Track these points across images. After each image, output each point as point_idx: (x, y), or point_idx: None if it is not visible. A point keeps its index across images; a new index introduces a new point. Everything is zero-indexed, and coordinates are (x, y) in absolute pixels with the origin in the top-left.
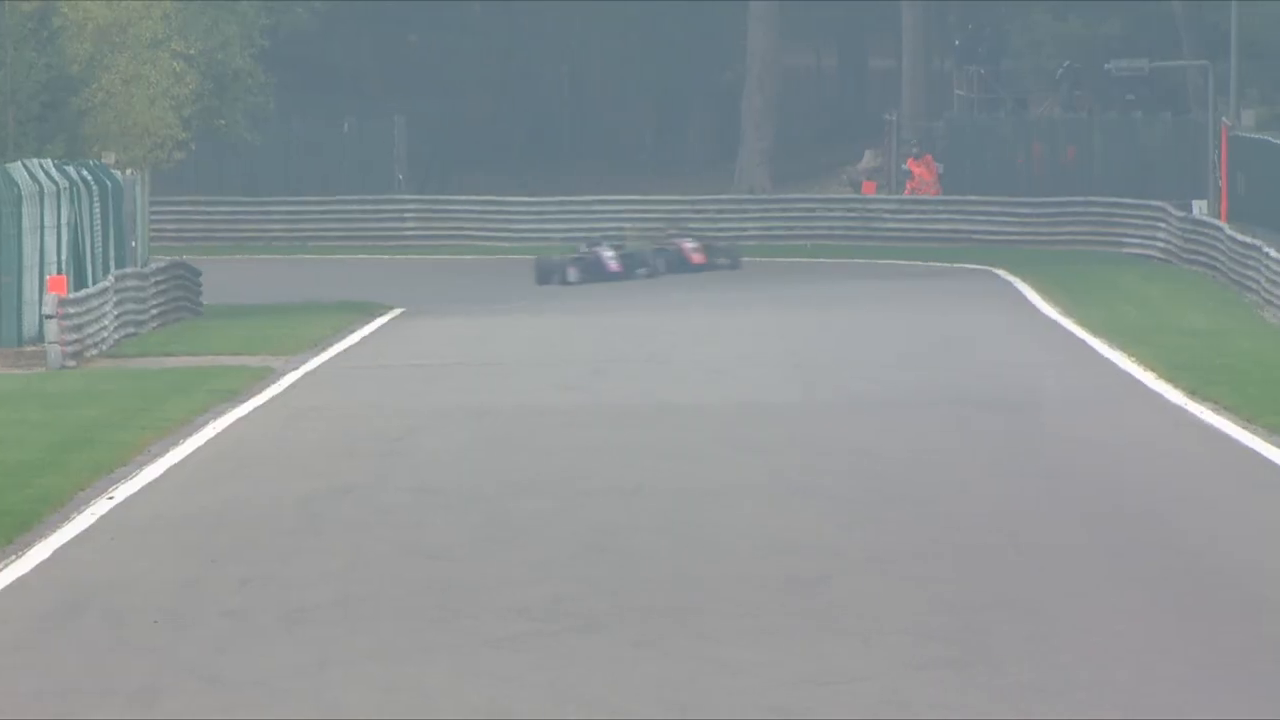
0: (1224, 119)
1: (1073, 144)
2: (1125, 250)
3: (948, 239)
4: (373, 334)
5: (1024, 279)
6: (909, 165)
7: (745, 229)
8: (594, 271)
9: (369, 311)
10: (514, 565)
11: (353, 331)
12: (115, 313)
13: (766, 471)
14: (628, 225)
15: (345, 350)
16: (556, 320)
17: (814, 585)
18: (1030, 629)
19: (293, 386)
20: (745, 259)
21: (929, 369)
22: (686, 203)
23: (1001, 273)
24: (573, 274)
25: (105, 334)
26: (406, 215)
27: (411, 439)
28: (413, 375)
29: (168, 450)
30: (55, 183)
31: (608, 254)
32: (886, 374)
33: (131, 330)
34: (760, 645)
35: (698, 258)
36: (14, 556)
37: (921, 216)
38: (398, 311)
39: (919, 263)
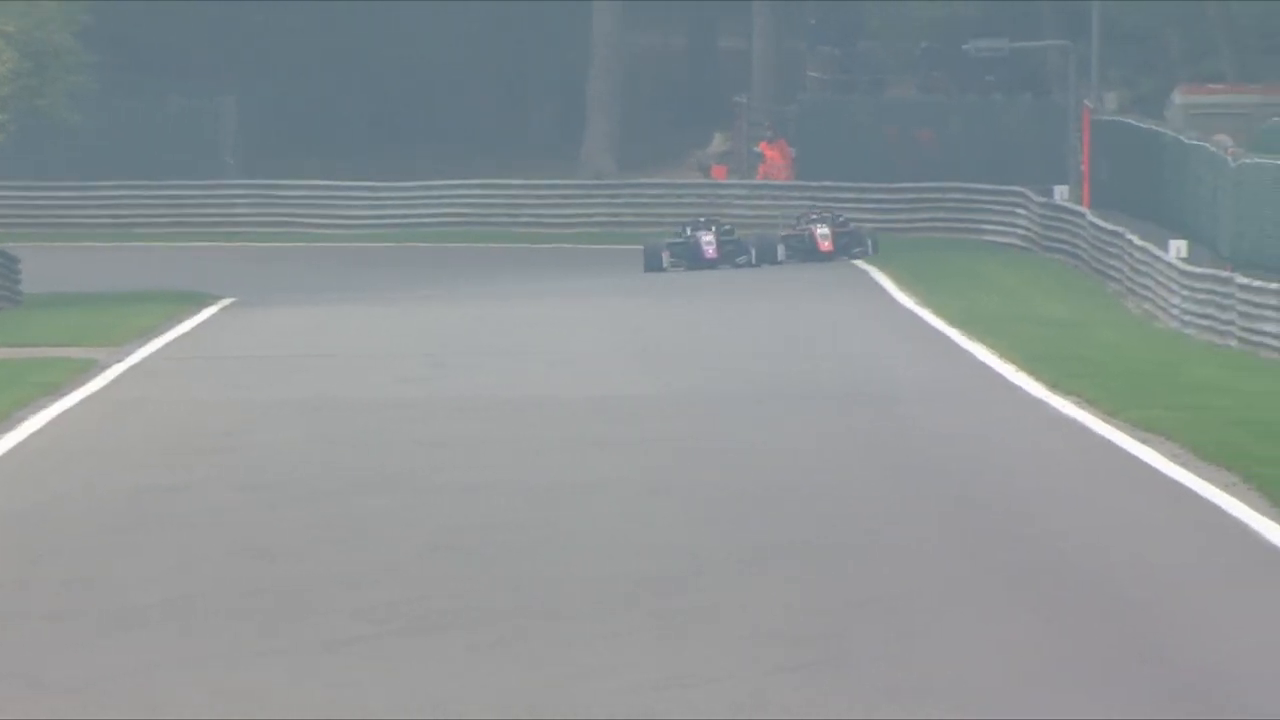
0: (1086, 101)
1: (930, 127)
2: (984, 238)
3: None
4: (203, 324)
5: (880, 267)
6: (761, 148)
7: (591, 214)
8: (691, 257)
9: (199, 301)
10: (353, 565)
11: (182, 322)
12: None
13: (619, 468)
14: (791, 209)
15: (174, 341)
16: (396, 311)
17: (668, 586)
18: (892, 630)
19: (118, 379)
20: (588, 247)
21: (786, 361)
22: (529, 188)
23: (858, 261)
24: (667, 259)
25: None
26: (238, 201)
27: (244, 434)
28: (245, 367)
29: None
30: None
31: (706, 239)
32: (743, 366)
33: None
34: (612, 648)
35: (826, 245)
36: None
37: (774, 202)
38: (229, 301)
39: None
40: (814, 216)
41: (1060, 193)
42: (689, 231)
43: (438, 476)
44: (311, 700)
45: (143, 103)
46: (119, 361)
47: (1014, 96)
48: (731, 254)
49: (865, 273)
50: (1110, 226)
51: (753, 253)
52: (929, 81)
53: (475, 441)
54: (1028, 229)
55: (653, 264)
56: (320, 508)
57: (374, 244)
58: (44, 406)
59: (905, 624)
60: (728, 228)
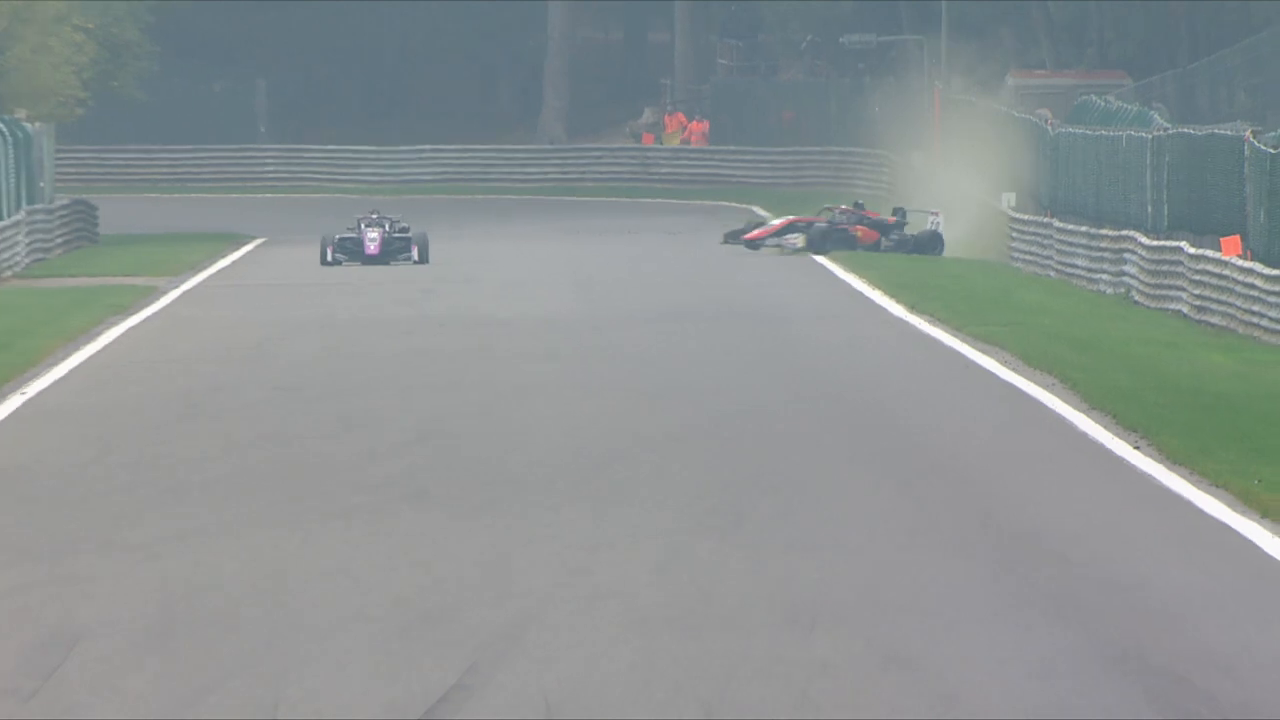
0: (936, 84)
1: (810, 106)
2: (857, 191)
3: (711, 182)
4: (240, 259)
5: (776, 214)
6: (668, 120)
7: (546, 172)
8: (355, 252)
9: (237, 241)
10: (355, 449)
11: (223, 257)
12: (26, 242)
13: (561, 372)
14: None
15: (217, 272)
16: None
17: (601, 465)
18: (781, 500)
19: (174, 302)
20: (542, 198)
21: (694, 288)
22: (497, 151)
23: (758, 209)
24: (332, 254)
25: (18, 259)
26: (268, 162)
27: (272, 345)
28: (273, 293)
29: (70, 355)
30: None
31: (371, 236)
32: (659, 293)
33: (40, 256)
34: (558, 514)
35: (865, 234)
36: None
37: (690, 163)
38: (261, 240)
39: (688, 201)
40: (843, 210)
41: (918, 156)
42: (362, 227)
43: (421, 378)
44: (322, 556)
45: (193, 83)
46: (174, 288)
47: (880, 80)
48: (395, 250)
49: (765, 219)
50: (958, 184)
51: (415, 250)
52: (813, 68)
53: (451, 351)
54: (890, 184)
55: (323, 257)
56: (330, 404)
57: (376, 196)
58: (115, 323)
59: (793, 496)
60: (403, 225)
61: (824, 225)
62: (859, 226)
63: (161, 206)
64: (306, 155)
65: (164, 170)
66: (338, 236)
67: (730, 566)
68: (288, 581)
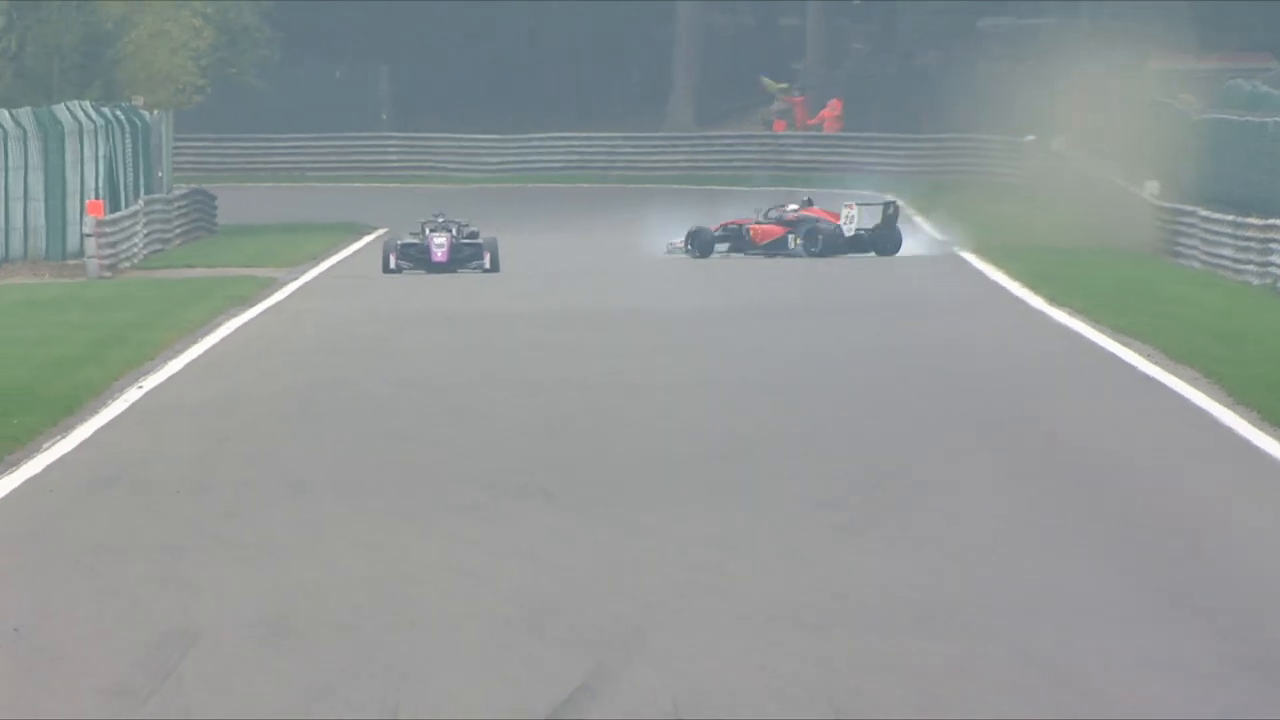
0: (1078, 69)
1: (950, 90)
2: (996, 179)
3: (846, 169)
4: (360, 250)
5: (911, 204)
6: (794, 103)
7: (675, 161)
8: (420, 259)
9: (357, 231)
10: (474, 445)
11: (344, 247)
12: (144, 232)
13: (683, 366)
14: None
15: (338, 263)
16: (519, 238)
17: (722, 462)
18: (904, 497)
19: (293, 294)
20: (674, 187)
21: (828, 279)
22: (624, 138)
23: (891, 197)
24: (395, 261)
25: (136, 249)
26: (389, 150)
27: (392, 338)
28: (394, 285)
29: (188, 347)
30: (93, 121)
31: (438, 241)
32: (789, 284)
33: (158, 246)
34: (678, 512)
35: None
36: (59, 436)
37: (824, 150)
38: (382, 230)
39: (822, 190)
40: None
41: (1058, 142)
42: (427, 231)
43: (543, 374)
44: (442, 553)
45: (314, 71)
46: (294, 280)
47: (1019, 64)
48: (465, 258)
49: (901, 209)
50: (1101, 172)
51: (487, 257)
52: (949, 53)
53: (573, 346)
54: (1028, 171)
55: (385, 265)
56: (451, 399)
57: (499, 184)
58: (235, 315)
59: (917, 491)
60: (472, 230)
61: (695, 228)
62: (754, 225)
63: (281, 196)
64: (429, 143)
65: (283, 159)
66: (400, 243)
67: (858, 564)
68: (407, 578)
